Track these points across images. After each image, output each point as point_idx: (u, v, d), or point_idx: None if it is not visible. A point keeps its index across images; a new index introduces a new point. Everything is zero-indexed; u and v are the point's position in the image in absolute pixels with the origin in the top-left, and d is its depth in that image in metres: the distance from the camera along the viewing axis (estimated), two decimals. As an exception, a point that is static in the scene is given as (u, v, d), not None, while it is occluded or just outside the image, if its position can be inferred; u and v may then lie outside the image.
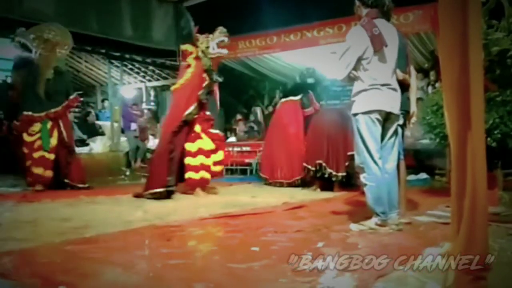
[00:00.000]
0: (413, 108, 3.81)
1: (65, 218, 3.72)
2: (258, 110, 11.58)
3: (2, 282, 1.96)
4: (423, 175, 7.64)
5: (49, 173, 6.21)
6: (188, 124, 5.53)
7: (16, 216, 3.82)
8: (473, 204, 1.59)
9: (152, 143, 10.37)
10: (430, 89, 8.72)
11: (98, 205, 4.63)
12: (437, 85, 8.30)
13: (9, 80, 10.87)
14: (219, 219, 3.85)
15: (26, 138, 6.20)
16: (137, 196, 5.24)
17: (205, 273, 2.18)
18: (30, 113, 6.20)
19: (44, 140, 6.22)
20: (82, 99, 7.32)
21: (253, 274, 2.15)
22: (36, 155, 6.14)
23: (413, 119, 3.88)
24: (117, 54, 9.95)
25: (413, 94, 3.87)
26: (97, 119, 10.46)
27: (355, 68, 3.22)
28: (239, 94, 12.13)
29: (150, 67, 10.89)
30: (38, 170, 6.10)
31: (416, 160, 7.91)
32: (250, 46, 10.08)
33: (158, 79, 11.85)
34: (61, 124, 6.43)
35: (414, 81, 3.89)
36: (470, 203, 1.59)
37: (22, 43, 6.32)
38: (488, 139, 4.75)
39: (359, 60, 3.20)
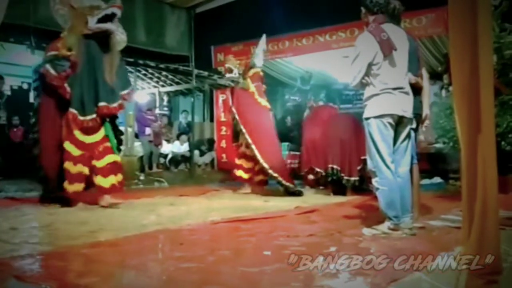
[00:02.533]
0: (426, 111, 3.80)
1: (81, 221, 3.77)
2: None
3: (18, 285, 2.00)
4: (437, 179, 7.59)
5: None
6: None
7: (33, 219, 3.88)
8: (484, 207, 1.59)
9: (166, 148, 10.44)
10: (444, 92, 8.66)
11: (113, 209, 4.67)
12: (450, 88, 8.23)
13: (25, 86, 11.12)
14: (231, 223, 3.86)
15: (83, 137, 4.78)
16: None
17: (217, 276, 2.20)
18: (104, 103, 4.83)
19: (112, 140, 4.97)
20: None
21: (265, 277, 2.16)
22: (100, 163, 4.80)
23: (426, 122, 3.86)
24: (131, 59, 10.05)
25: (426, 97, 3.85)
26: (110, 124, 10.53)
27: (366, 73, 3.23)
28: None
29: (163, 73, 10.97)
30: (101, 181, 4.80)
31: (430, 164, 7.86)
32: (263, 51, 10.10)
33: (171, 84, 11.90)
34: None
35: (426, 83, 3.88)
36: (481, 206, 1.59)
37: (113, 13, 4.78)
38: (502, 143, 4.70)
39: (370, 65, 3.21)
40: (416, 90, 3.59)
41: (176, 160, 10.33)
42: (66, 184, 4.73)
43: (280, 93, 12.17)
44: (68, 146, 4.75)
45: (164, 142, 10.51)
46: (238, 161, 6.96)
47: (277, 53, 10.12)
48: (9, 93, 9.59)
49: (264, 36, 7.23)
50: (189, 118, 11.34)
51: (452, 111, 5.21)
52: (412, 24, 7.94)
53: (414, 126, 3.58)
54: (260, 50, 7.13)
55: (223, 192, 7.02)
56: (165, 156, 10.35)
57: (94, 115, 4.76)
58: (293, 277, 2.12)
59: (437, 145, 7.46)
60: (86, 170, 4.79)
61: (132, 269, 2.35)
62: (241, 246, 3.02)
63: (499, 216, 1.71)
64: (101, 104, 4.78)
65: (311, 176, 7.37)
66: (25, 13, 7.42)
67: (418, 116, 3.69)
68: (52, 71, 4.76)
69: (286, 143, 8.96)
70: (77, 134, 4.75)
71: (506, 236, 2.72)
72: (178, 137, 10.74)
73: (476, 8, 1.66)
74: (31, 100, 9.41)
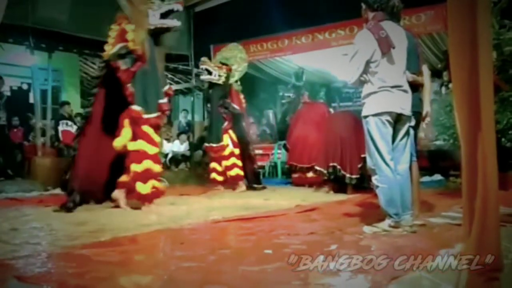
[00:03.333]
0: (427, 108, 3.80)
1: (81, 222, 3.77)
2: (270, 113, 11.58)
3: (19, 286, 2.00)
4: (438, 177, 7.58)
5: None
6: None
7: (33, 220, 3.87)
8: (484, 205, 1.59)
9: (166, 147, 10.44)
10: (443, 89, 8.65)
11: (113, 208, 4.67)
12: (450, 85, 8.22)
13: (24, 86, 11.12)
14: (232, 222, 3.86)
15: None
16: None
17: (218, 275, 2.19)
18: (163, 101, 4.70)
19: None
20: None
21: (266, 276, 2.16)
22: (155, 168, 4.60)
23: (427, 120, 3.86)
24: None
25: (427, 94, 3.86)
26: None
27: (364, 71, 3.23)
28: (250, 98, 12.15)
29: (163, 72, 10.98)
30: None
31: (430, 162, 7.85)
32: (262, 49, 10.11)
33: (171, 84, 11.92)
34: None
35: (427, 81, 3.87)
36: (481, 204, 1.59)
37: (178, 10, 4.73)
38: (503, 139, 4.70)
39: (368, 63, 3.21)
40: (415, 87, 3.59)
41: (177, 159, 10.33)
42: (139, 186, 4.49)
43: (279, 91, 12.18)
44: (142, 145, 4.47)
45: (164, 142, 10.50)
46: (227, 163, 7.14)
47: (276, 51, 10.12)
48: (8, 93, 9.61)
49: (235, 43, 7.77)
50: (189, 117, 11.34)
51: (452, 108, 5.22)
52: (411, 21, 7.93)
53: (413, 123, 3.58)
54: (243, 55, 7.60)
55: (223, 191, 7.03)
56: (165, 155, 10.35)
57: (158, 113, 4.56)
58: (294, 275, 2.12)
59: (437, 142, 7.47)
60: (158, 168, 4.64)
61: (133, 269, 2.35)
62: (242, 245, 3.02)
63: (500, 213, 1.71)
64: (161, 101, 4.59)
65: (295, 174, 7.50)
66: (24, 14, 7.40)
67: (417, 114, 3.69)
68: (123, 65, 4.52)
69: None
70: (151, 132, 4.53)
71: (507, 233, 2.72)
72: (178, 137, 10.75)
73: (475, 5, 1.66)
74: (31, 100, 9.46)
